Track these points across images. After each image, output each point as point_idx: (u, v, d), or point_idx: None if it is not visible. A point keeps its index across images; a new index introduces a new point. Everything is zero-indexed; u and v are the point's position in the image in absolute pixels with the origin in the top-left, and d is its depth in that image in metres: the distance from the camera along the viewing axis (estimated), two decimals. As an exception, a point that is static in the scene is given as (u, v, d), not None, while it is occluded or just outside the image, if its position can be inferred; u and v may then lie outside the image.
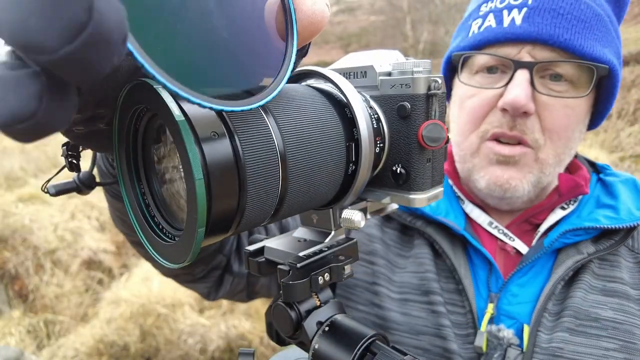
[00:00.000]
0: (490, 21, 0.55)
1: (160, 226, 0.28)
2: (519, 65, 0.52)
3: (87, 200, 4.07)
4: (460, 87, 0.60)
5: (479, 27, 0.56)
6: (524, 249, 0.58)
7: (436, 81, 0.33)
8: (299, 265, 0.33)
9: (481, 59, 0.57)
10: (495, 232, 0.59)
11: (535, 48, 0.51)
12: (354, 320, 0.35)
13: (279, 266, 0.34)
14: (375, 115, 0.35)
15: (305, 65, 0.36)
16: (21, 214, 3.56)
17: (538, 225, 0.59)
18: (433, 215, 0.59)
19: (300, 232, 0.40)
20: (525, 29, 0.51)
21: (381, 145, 0.35)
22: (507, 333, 0.51)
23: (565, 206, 0.58)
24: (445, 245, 0.57)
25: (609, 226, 0.52)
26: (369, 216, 0.39)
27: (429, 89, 0.33)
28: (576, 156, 0.63)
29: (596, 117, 0.58)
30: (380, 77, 0.35)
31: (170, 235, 0.28)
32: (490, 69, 0.56)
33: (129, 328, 2.31)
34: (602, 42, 0.51)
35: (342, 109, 0.33)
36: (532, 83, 0.52)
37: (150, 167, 0.29)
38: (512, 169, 0.55)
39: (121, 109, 0.27)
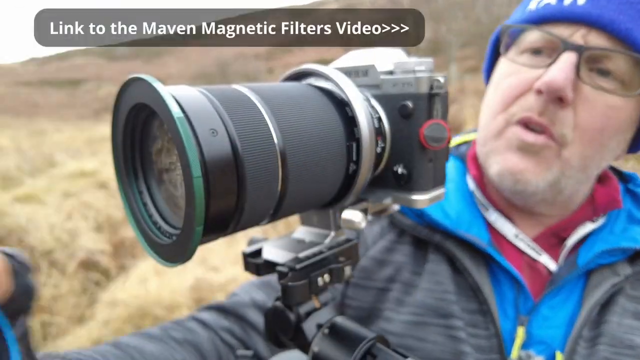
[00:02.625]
0: None
1: (158, 225, 0.28)
2: (567, 46, 0.45)
3: (84, 201, 4.05)
4: (501, 65, 0.53)
5: (538, 4, 0.50)
6: (551, 265, 0.52)
7: (439, 80, 0.33)
8: (298, 266, 0.33)
9: (530, 37, 0.50)
10: (521, 245, 0.53)
11: (591, 33, 0.45)
12: (354, 323, 0.34)
13: (278, 267, 0.33)
14: (377, 115, 0.34)
15: (306, 63, 0.36)
16: (17, 214, 3.54)
17: (564, 239, 0.53)
18: (455, 230, 0.52)
19: (300, 233, 0.39)
20: (586, 9, 0.45)
21: (382, 145, 0.34)
22: None
23: (594, 219, 0.53)
24: (467, 261, 0.51)
25: None
26: (369, 217, 0.38)
27: (431, 88, 0.33)
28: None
29: None
30: (382, 76, 0.35)
31: (167, 234, 0.27)
32: (536, 51, 0.50)
33: (126, 329, 2.29)
34: None
35: (343, 108, 0.33)
36: (577, 69, 0.45)
37: (148, 165, 0.29)
38: (530, 160, 0.48)
39: (119, 107, 0.27)
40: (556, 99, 0.46)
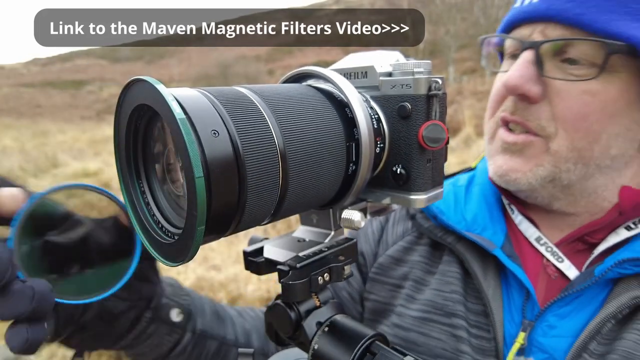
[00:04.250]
0: (517, 2, 0.50)
1: (160, 225, 0.28)
2: (525, 45, 0.47)
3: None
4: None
5: (512, 7, 0.52)
6: (573, 273, 0.49)
7: (437, 82, 0.33)
8: (298, 265, 0.33)
9: (506, 44, 0.52)
10: (542, 249, 0.51)
11: (548, 27, 0.46)
12: (354, 321, 0.35)
13: (279, 266, 0.34)
14: (376, 116, 0.35)
15: (306, 65, 0.36)
16: (20, 213, 3.55)
17: (594, 246, 0.50)
18: (464, 232, 0.52)
19: (300, 232, 0.40)
20: (536, 6, 0.46)
21: (381, 145, 0.35)
22: None
23: (633, 226, 0.48)
24: (475, 264, 0.51)
25: None
26: (368, 216, 0.39)
27: (429, 89, 0.33)
28: None
29: None
30: (381, 78, 0.35)
31: (170, 234, 0.28)
32: (513, 55, 0.51)
33: (128, 328, 2.30)
34: (636, 16, 0.43)
35: (343, 109, 0.33)
36: (539, 64, 0.46)
37: (150, 165, 0.29)
38: (516, 159, 0.48)
39: (121, 108, 0.27)
40: (521, 96, 0.47)
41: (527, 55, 0.46)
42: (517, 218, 0.54)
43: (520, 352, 0.46)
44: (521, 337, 0.47)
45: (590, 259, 0.49)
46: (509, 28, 0.51)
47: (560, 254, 0.50)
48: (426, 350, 0.50)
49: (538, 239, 0.52)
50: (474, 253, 0.52)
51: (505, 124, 0.50)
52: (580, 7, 0.43)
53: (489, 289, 0.50)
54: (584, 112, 0.44)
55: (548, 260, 0.51)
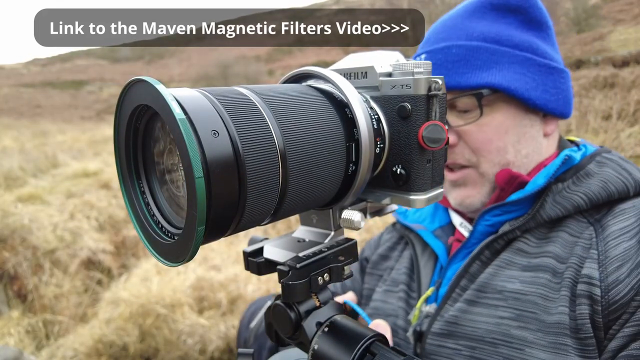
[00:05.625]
0: None
1: (160, 225, 0.28)
2: None
3: (87, 200, 4.06)
4: None
5: None
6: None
7: (437, 82, 0.33)
8: (298, 265, 0.33)
9: None
10: (462, 230, 0.67)
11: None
12: (354, 321, 0.35)
13: (279, 267, 0.34)
14: (376, 116, 0.35)
15: (306, 65, 0.36)
16: (20, 213, 3.56)
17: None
18: (408, 223, 0.72)
19: (300, 233, 0.40)
20: None
21: (381, 145, 0.35)
22: (430, 307, 0.61)
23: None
24: (418, 246, 0.70)
25: (517, 198, 0.56)
26: (368, 217, 0.39)
27: (429, 89, 0.33)
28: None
29: (545, 110, 0.63)
30: (381, 78, 0.35)
31: (169, 234, 0.28)
32: None
33: (128, 328, 2.30)
34: (483, 67, 0.60)
35: (343, 109, 0.33)
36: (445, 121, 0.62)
37: (150, 165, 0.29)
38: (463, 190, 0.64)
39: (121, 108, 0.27)
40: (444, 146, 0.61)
41: None
42: (451, 213, 0.72)
43: (429, 301, 0.63)
44: (430, 291, 0.63)
45: (475, 221, 0.62)
46: None
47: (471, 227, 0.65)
48: (382, 312, 0.68)
49: (460, 224, 0.68)
50: (418, 240, 0.71)
51: (447, 167, 0.64)
52: (447, 76, 0.59)
53: (423, 262, 0.68)
54: (487, 138, 0.61)
55: (463, 235, 0.67)
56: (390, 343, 0.34)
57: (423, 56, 0.65)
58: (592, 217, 0.54)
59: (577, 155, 0.58)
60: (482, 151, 0.61)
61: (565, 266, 0.51)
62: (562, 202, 0.55)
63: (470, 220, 0.68)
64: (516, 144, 0.62)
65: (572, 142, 0.68)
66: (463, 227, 0.67)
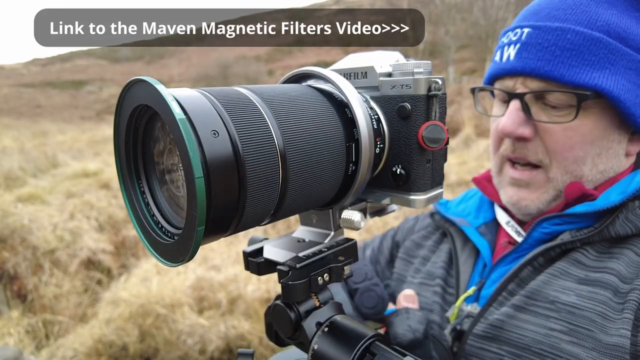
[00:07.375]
0: (497, 56, 0.61)
1: (160, 225, 0.28)
2: (511, 96, 0.58)
3: (87, 201, 4.06)
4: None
5: (493, 60, 0.63)
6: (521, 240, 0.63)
7: (437, 82, 0.33)
8: (298, 265, 0.33)
9: (495, 91, 0.63)
10: (509, 229, 0.64)
11: (527, 80, 0.56)
12: (354, 321, 0.35)
13: (278, 267, 0.34)
14: (376, 116, 0.35)
15: (306, 65, 0.36)
16: (20, 213, 3.56)
17: None
18: (452, 217, 0.69)
19: (300, 233, 0.40)
20: (513, 64, 0.57)
21: (381, 145, 0.35)
22: (472, 307, 0.59)
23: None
24: (458, 241, 0.67)
25: (584, 211, 0.53)
26: (368, 217, 0.39)
27: (429, 89, 0.33)
28: None
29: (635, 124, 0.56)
30: (381, 78, 0.35)
31: (169, 234, 0.28)
32: (503, 101, 0.62)
33: (128, 328, 2.30)
34: (596, 65, 0.52)
35: (342, 109, 0.33)
36: (526, 111, 0.56)
37: (150, 165, 0.29)
38: (524, 191, 0.60)
39: (121, 108, 0.27)
40: (517, 138, 0.57)
41: (515, 104, 0.57)
42: (497, 209, 0.68)
43: (468, 300, 0.60)
44: (471, 290, 0.60)
45: (531, 227, 0.59)
46: (493, 79, 0.62)
47: (523, 232, 0.62)
48: (421, 305, 0.64)
49: (507, 222, 0.65)
50: (459, 234, 0.68)
51: (510, 160, 0.60)
52: (549, 64, 0.53)
53: (462, 258, 0.65)
54: (569, 144, 0.55)
55: (511, 236, 0.63)
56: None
57: (527, 30, 0.56)
58: None
59: None
60: (559, 156, 0.56)
61: (629, 287, 0.48)
62: (634, 220, 0.51)
63: (519, 222, 0.64)
64: (596, 157, 0.56)
65: None
66: (510, 227, 0.64)
